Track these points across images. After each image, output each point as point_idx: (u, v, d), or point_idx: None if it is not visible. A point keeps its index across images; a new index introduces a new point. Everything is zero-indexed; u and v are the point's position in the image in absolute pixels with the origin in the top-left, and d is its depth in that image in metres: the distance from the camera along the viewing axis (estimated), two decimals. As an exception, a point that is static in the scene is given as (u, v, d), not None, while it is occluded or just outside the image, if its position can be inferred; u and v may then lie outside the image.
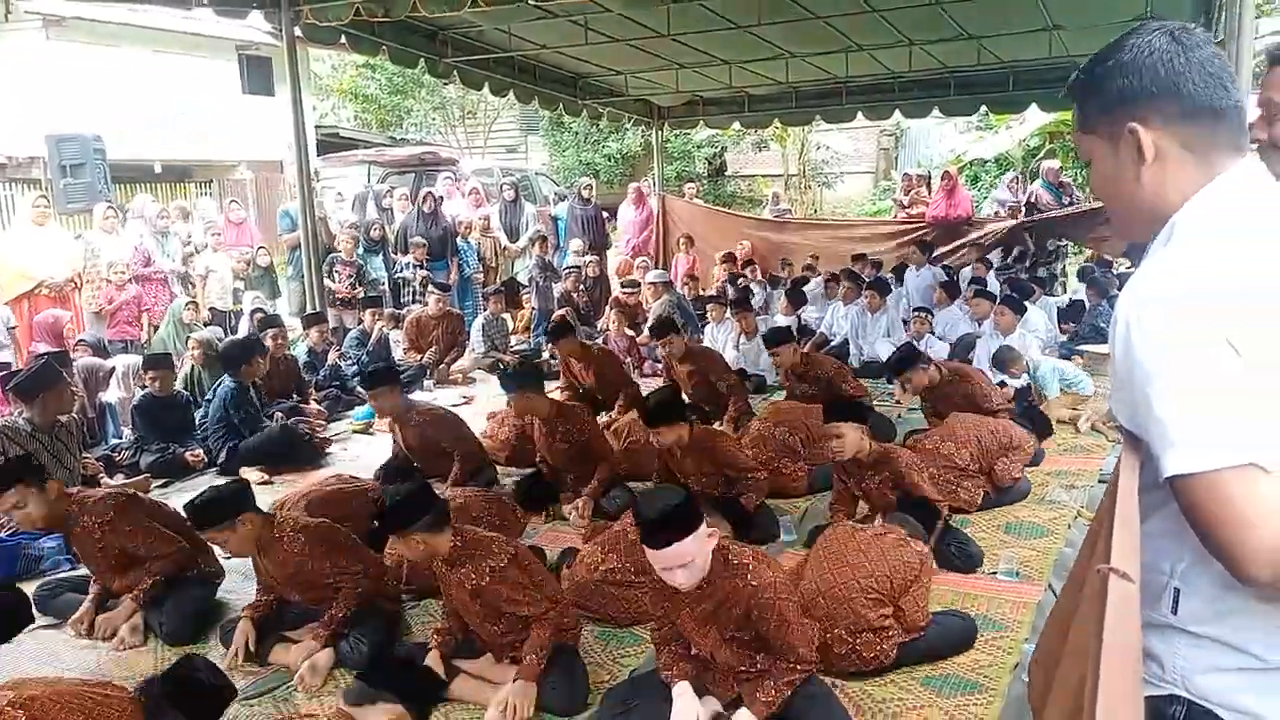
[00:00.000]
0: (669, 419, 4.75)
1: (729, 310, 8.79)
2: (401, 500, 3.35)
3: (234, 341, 6.83)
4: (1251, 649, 1.31)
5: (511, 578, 3.28)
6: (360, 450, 6.85)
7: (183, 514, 4.33)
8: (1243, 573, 1.19)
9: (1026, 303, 7.93)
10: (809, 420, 5.59)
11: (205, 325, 8.51)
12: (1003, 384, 6.70)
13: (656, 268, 11.98)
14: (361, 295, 9.86)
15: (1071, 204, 12.22)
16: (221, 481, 3.68)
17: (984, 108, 12.78)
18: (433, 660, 3.33)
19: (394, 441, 5.87)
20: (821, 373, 6.60)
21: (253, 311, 9.00)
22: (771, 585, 2.88)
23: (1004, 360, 6.83)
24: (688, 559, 2.75)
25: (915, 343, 8.10)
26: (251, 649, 3.64)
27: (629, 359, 8.93)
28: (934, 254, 11.29)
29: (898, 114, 13.08)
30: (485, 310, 10.04)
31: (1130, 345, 1.27)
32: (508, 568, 3.29)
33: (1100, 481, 5.39)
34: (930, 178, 13.71)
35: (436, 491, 3.78)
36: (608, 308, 10.57)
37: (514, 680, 3.18)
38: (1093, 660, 1.09)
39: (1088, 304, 9.23)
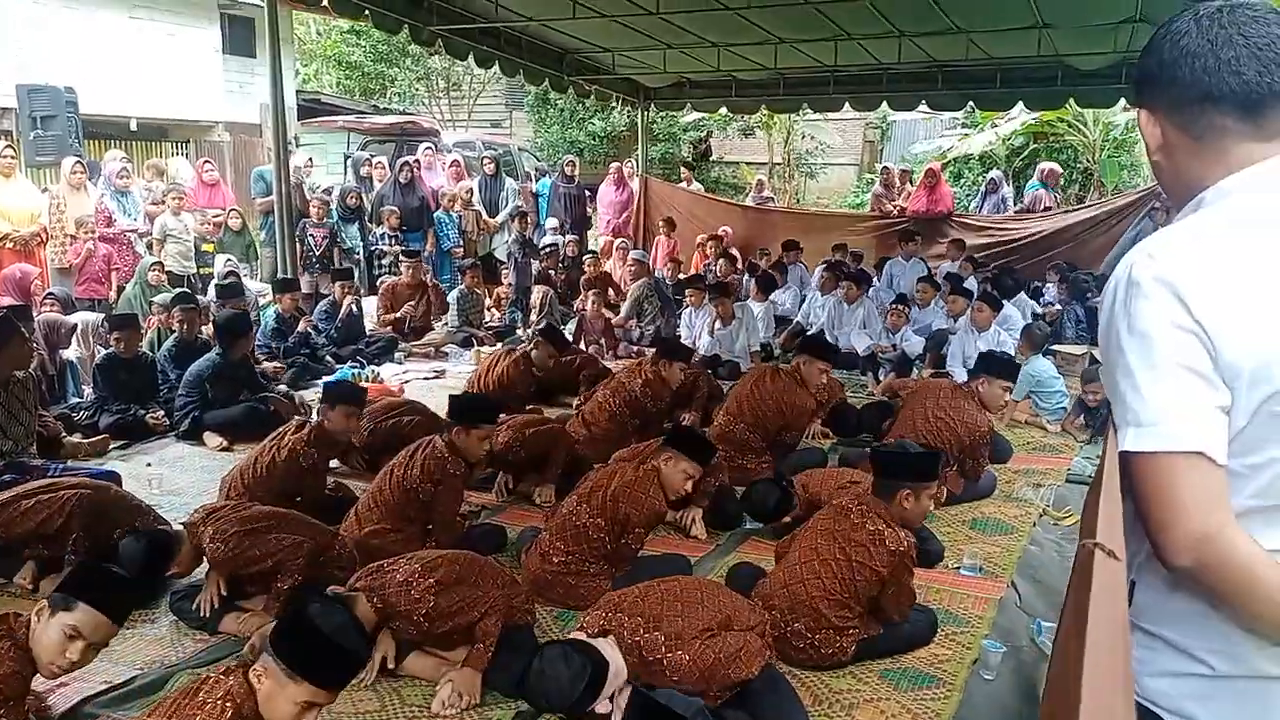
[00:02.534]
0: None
1: (707, 295, 8.74)
2: None
3: (230, 317, 6.68)
4: (1201, 655, 1.29)
5: (445, 606, 3.18)
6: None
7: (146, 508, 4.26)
8: (1165, 557, 1.21)
9: (1005, 301, 7.94)
10: (769, 410, 5.48)
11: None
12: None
13: (637, 249, 11.90)
14: (334, 266, 9.74)
15: (1059, 205, 12.35)
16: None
17: (971, 103, 12.77)
18: (385, 635, 3.25)
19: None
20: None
21: (225, 275, 8.86)
22: None
23: (1029, 338, 6.82)
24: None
25: (891, 335, 8.14)
26: (217, 604, 3.57)
27: (603, 340, 8.88)
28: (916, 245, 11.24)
29: (885, 105, 13.05)
30: (461, 284, 9.94)
31: (1113, 310, 1.27)
32: (439, 602, 3.17)
33: (1068, 481, 5.40)
34: (912, 173, 13.71)
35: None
36: (584, 287, 10.50)
37: (461, 666, 3.14)
38: (1077, 637, 1.06)
39: (1060, 305, 9.27)
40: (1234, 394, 1.19)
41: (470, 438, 4.23)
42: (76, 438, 5.86)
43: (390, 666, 3.23)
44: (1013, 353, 6.97)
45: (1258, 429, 1.20)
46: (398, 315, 9.25)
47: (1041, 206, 12.44)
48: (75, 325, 6.93)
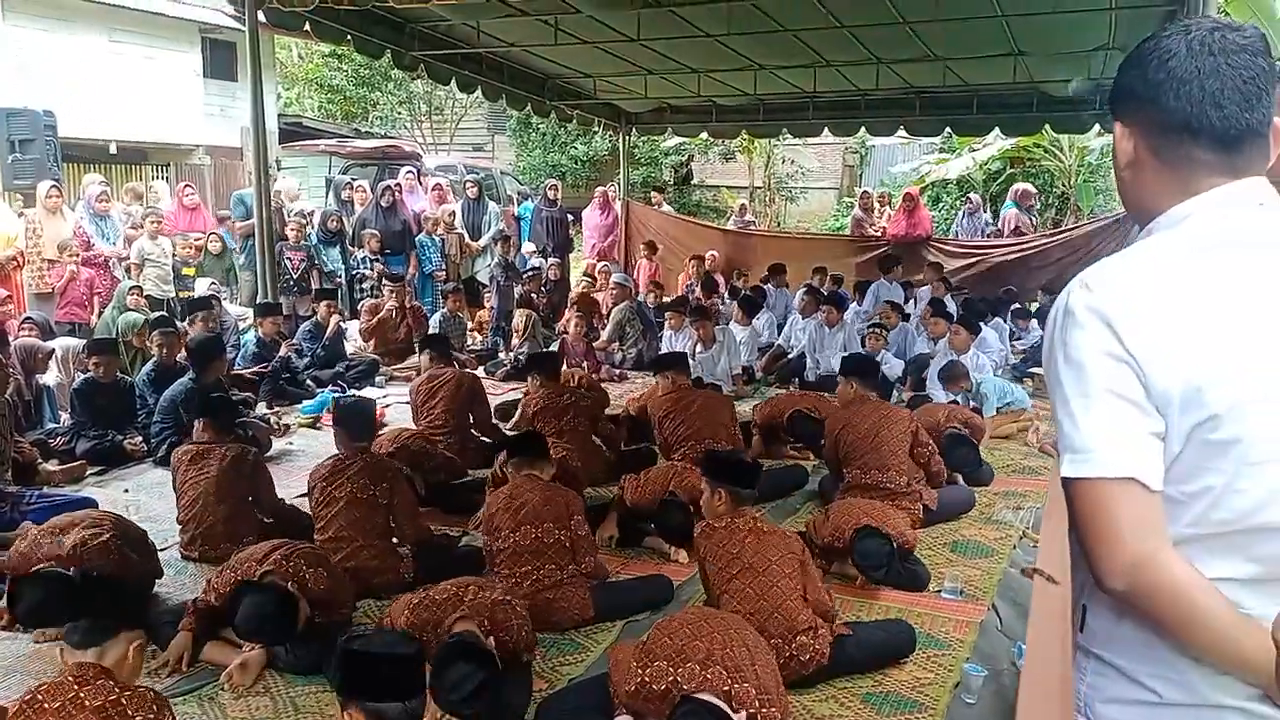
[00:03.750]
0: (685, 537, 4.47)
1: (688, 318, 8.77)
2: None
3: (202, 340, 6.67)
4: (1147, 682, 1.30)
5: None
6: (307, 444, 6.72)
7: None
8: (1101, 580, 1.22)
9: (981, 323, 8.02)
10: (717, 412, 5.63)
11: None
12: (955, 401, 6.76)
13: (619, 273, 11.93)
14: (316, 287, 9.72)
15: (1036, 228, 12.53)
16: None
17: (948, 129, 12.95)
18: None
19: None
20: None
21: (208, 298, 8.82)
22: None
23: (948, 376, 6.90)
24: None
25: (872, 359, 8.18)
26: (184, 669, 3.48)
27: (584, 363, 8.88)
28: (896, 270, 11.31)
29: (863, 131, 13.26)
30: (443, 308, 9.93)
31: (1051, 339, 1.29)
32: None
33: (1047, 503, 5.43)
34: (891, 196, 13.86)
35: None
36: (567, 309, 10.52)
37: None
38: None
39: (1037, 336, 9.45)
40: (1167, 421, 1.21)
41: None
42: (53, 464, 5.81)
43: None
44: (993, 376, 7.11)
45: (1192, 456, 1.21)
46: (379, 318, 9.33)
47: (1011, 226, 12.60)
48: (53, 350, 6.86)
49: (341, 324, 8.89)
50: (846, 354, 7.41)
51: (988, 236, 12.88)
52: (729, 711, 2.65)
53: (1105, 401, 1.21)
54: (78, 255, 8.36)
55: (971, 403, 6.80)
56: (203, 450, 4.64)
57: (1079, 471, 1.22)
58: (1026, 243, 12.15)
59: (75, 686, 2.23)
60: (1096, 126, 11.48)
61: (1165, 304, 1.21)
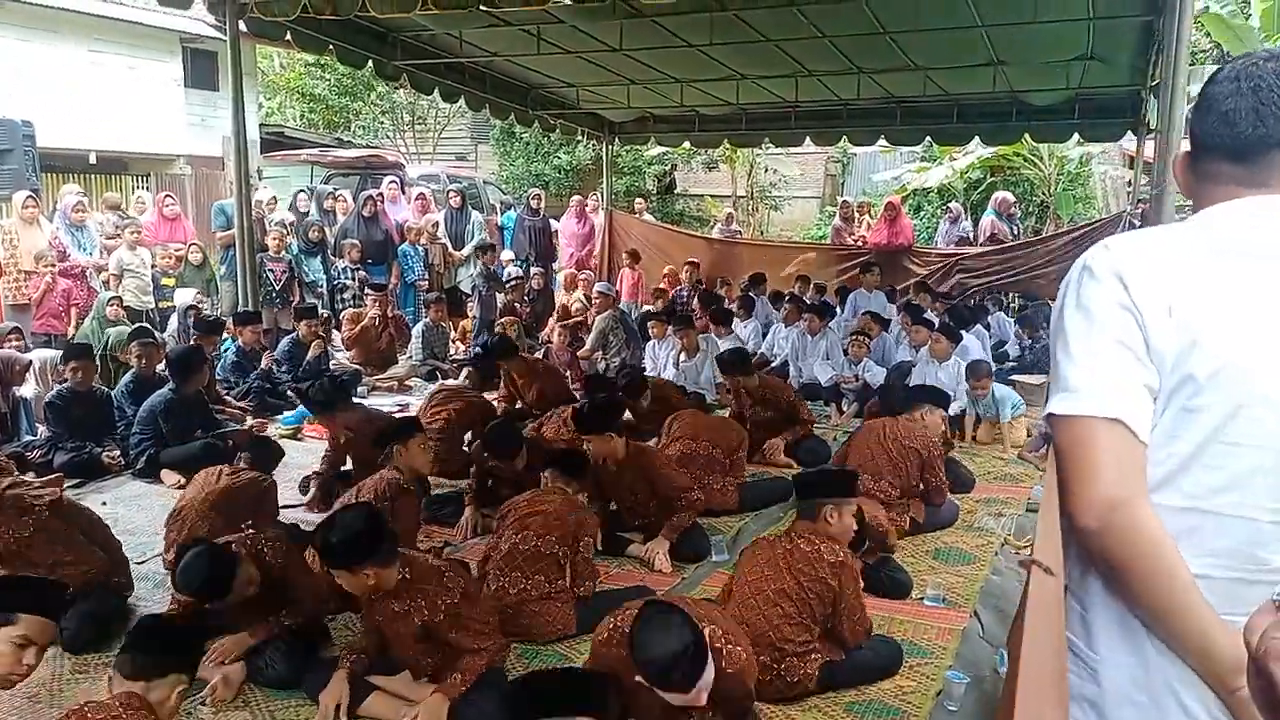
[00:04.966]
0: (600, 428, 4.63)
1: (670, 327, 8.77)
2: (352, 532, 3.07)
3: (183, 351, 6.63)
4: (1096, 665, 1.31)
5: (464, 613, 3.20)
6: (288, 455, 6.64)
7: (105, 524, 4.23)
8: (1074, 518, 1.24)
9: (964, 332, 8.05)
10: (727, 433, 5.64)
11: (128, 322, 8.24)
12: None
13: (601, 282, 11.93)
14: (295, 300, 9.65)
15: (1017, 236, 12.59)
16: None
17: (928, 138, 13.02)
18: (338, 679, 3.22)
19: (329, 449, 5.75)
20: (778, 396, 6.60)
21: (186, 309, 8.74)
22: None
23: (973, 373, 6.92)
24: (709, 685, 2.59)
25: (854, 365, 8.21)
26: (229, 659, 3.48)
27: (569, 373, 8.87)
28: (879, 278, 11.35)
29: (845, 140, 13.30)
30: (425, 317, 9.90)
31: (1064, 294, 1.34)
32: (461, 603, 3.20)
33: (1028, 510, 5.46)
34: (872, 205, 13.93)
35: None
36: (552, 320, 10.51)
37: (431, 695, 3.09)
38: (1015, 651, 1.07)
39: (1019, 340, 9.52)
40: (1161, 380, 1.25)
41: (410, 450, 4.35)
42: (29, 477, 5.73)
43: (345, 716, 3.18)
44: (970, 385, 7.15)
45: (1168, 423, 1.26)
46: (361, 326, 9.30)
47: (987, 234, 12.67)
48: (30, 362, 6.80)
49: (326, 344, 8.74)
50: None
51: (956, 243, 12.95)
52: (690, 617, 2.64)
53: (1108, 348, 1.25)
54: (54, 266, 8.29)
55: (958, 411, 6.86)
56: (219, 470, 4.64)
57: (1067, 408, 1.25)
58: (1006, 250, 12.22)
59: (120, 710, 2.36)
60: (1076, 135, 11.57)
61: (1176, 275, 1.27)
